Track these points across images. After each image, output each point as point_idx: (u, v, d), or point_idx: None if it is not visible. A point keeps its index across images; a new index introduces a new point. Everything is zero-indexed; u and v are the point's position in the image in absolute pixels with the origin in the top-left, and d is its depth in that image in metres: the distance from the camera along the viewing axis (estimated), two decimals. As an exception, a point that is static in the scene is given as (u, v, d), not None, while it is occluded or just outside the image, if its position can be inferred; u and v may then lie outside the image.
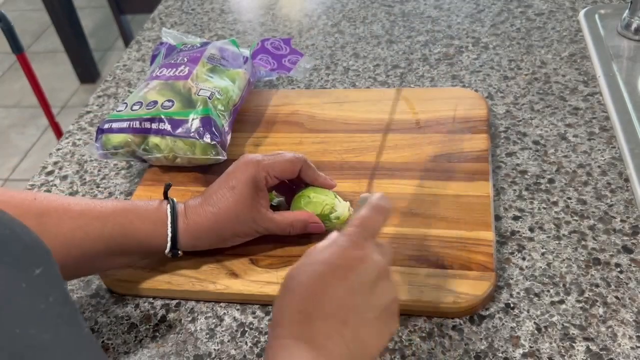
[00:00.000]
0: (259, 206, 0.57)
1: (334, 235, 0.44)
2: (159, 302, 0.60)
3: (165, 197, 0.58)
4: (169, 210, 0.56)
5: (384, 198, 0.47)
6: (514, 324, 0.54)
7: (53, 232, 0.51)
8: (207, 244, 0.58)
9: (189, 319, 0.58)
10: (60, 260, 0.49)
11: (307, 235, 0.61)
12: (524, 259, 0.59)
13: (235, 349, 0.55)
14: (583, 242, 0.60)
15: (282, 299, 0.42)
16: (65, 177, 0.77)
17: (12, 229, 0.30)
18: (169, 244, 0.56)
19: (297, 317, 0.40)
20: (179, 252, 0.57)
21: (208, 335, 0.56)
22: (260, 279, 0.58)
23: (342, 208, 0.60)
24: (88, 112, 0.89)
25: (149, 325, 0.58)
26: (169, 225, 0.55)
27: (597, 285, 0.56)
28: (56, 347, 0.28)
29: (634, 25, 0.87)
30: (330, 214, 0.60)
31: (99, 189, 0.75)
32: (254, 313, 0.58)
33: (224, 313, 0.58)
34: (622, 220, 0.61)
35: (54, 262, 0.32)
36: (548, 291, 0.56)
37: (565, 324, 0.53)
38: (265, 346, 0.54)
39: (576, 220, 0.62)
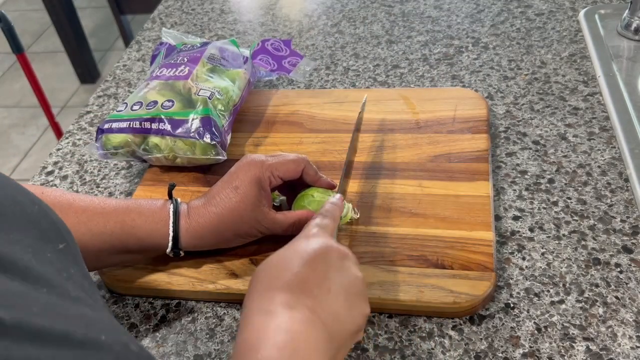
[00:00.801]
0: (262, 206, 0.57)
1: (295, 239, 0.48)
2: (159, 302, 0.60)
3: (170, 196, 0.58)
4: (171, 210, 0.56)
5: (335, 202, 0.54)
6: (514, 324, 0.54)
7: None
8: (209, 245, 0.58)
9: (189, 319, 0.58)
10: None
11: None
12: (524, 259, 0.59)
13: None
14: (583, 242, 0.60)
15: (251, 281, 0.44)
16: (65, 177, 0.77)
17: (40, 205, 0.33)
18: (170, 243, 0.56)
19: (259, 290, 0.43)
20: (181, 252, 0.57)
21: (208, 335, 0.56)
22: (260, 279, 0.58)
23: (344, 208, 0.60)
24: (88, 112, 0.89)
25: (149, 325, 0.58)
26: (171, 225, 0.55)
27: (597, 285, 0.56)
28: (82, 303, 0.30)
29: (634, 25, 0.87)
30: None
31: (99, 189, 0.75)
32: (254, 313, 0.58)
33: (224, 313, 0.58)
34: (622, 220, 0.61)
35: (75, 242, 0.34)
36: (548, 291, 0.56)
37: (565, 324, 0.53)
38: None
39: (576, 220, 0.62)
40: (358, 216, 0.62)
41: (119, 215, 0.55)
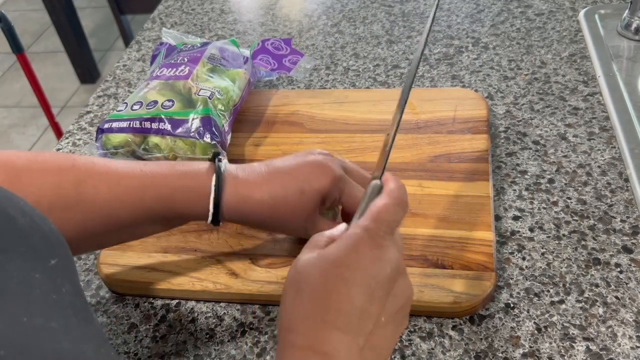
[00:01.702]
0: (316, 216, 0.54)
1: (349, 230, 0.39)
2: (159, 302, 0.60)
3: (212, 161, 0.53)
4: (213, 182, 0.51)
5: (401, 187, 0.42)
6: (514, 324, 0.54)
7: (91, 202, 0.49)
8: (250, 225, 0.55)
9: (189, 319, 0.58)
10: (100, 229, 0.50)
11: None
12: (524, 259, 0.59)
13: (235, 349, 0.55)
14: (583, 242, 0.60)
15: (292, 300, 0.38)
16: (65, 177, 0.77)
17: (31, 217, 0.30)
18: (210, 218, 0.52)
19: (311, 324, 0.37)
20: (220, 223, 0.53)
21: (208, 335, 0.56)
22: (260, 279, 0.58)
23: None
24: (88, 112, 0.89)
25: (149, 325, 0.58)
26: (212, 200, 0.51)
27: (597, 285, 0.56)
28: (63, 336, 0.28)
29: (634, 25, 0.87)
30: None
31: (99, 189, 0.75)
32: (254, 313, 0.58)
33: (224, 313, 0.58)
34: (622, 220, 0.61)
35: (69, 254, 0.32)
36: (548, 291, 0.56)
37: (565, 324, 0.53)
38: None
39: (576, 220, 0.62)
40: None
41: (156, 188, 0.51)
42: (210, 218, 0.52)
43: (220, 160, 0.53)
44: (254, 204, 0.52)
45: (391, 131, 0.45)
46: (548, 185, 0.66)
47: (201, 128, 0.67)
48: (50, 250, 0.31)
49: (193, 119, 0.68)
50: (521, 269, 0.58)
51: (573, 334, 0.52)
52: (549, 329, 0.53)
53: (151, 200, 0.51)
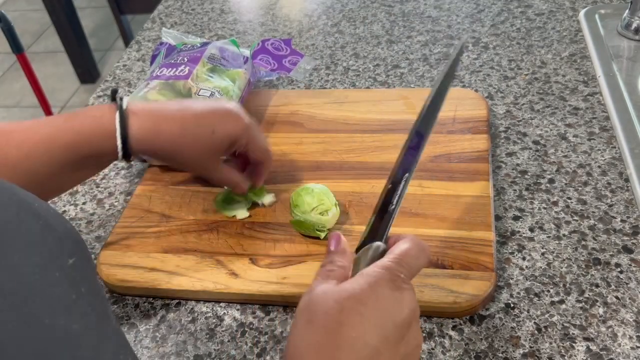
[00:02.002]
0: (219, 159, 0.57)
1: (370, 268, 0.38)
2: (159, 302, 0.60)
3: (113, 99, 0.55)
4: (117, 119, 0.53)
5: (420, 240, 0.41)
6: (514, 324, 0.54)
7: (3, 165, 0.51)
8: (159, 159, 0.57)
9: (189, 319, 0.58)
10: (28, 187, 0.49)
11: (305, 243, 0.61)
12: (524, 259, 0.59)
13: (235, 349, 0.55)
14: (583, 242, 0.60)
15: (303, 328, 0.37)
16: (65, 177, 0.77)
17: (46, 220, 0.31)
18: (120, 153, 0.54)
19: (320, 356, 0.35)
20: (132, 158, 0.55)
21: (208, 335, 0.56)
22: (260, 279, 0.58)
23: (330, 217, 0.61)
24: (88, 112, 0.89)
25: (149, 325, 0.58)
26: (119, 137, 0.53)
27: (597, 285, 0.56)
28: (84, 337, 0.28)
29: (634, 25, 0.87)
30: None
31: (99, 188, 0.75)
32: (254, 313, 0.58)
33: (224, 313, 0.58)
34: (622, 220, 0.61)
35: (87, 254, 0.33)
36: (548, 291, 0.56)
37: (565, 324, 0.53)
38: None
39: (576, 220, 0.62)
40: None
41: (62, 137, 0.52)
42: (120, 153, 0.53)
43: (121, 99, 0.55)
44: (163, 136, 0.54)
45: (388, 183, 0.46)
46: (548, 185, 0.66)
47: (201, 128, 0.67)
48: (67, 250, 0.31)
49: (193, 119, 0.68)
50: (521, 269, 0.58)
51: (573, 334, 0.52)
52: (549, 329, 0.53)
53: (58, 149, 0.52)
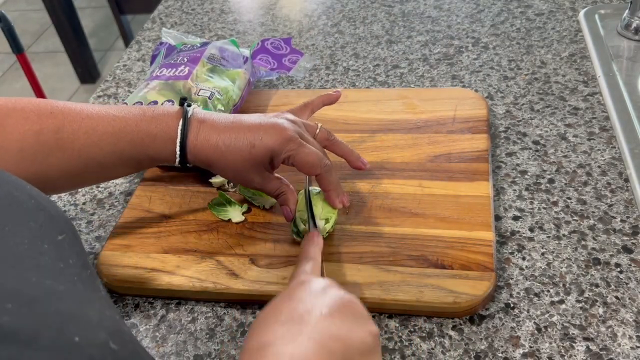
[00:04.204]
0: (264, 171, 0.59)
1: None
2: (159, 302, 0.60)
3: (181, 104, 0.58)
4: (180, 127, 0.56)
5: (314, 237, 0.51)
6: (514, 324, 0.54)
7: (70, 148, 0.54)
8: (213, 170, 0.59)
9: (189, 319, 0.58)
10: (80, 172, 0.54)
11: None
12: (524, 259, 0.59)
13: (235, 349, 0.55)
14: (583, 242, 0.60)
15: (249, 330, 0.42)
16: (65, 177, 0.77)
17: (38, 200, 0.33)
18: (177, 159, 0.56)
19: (261, 326, 0.41)
20: (189, 165, 0.58)
21: (208, 335, 0.56)
22: (260, 279, 0.58)
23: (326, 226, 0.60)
24: (88, 112, 0.89)
25: (149, 325, 0.58)
26: (178, 144, 0.55)
27: (597, 285, 0.56)
28: (69, 295, 0.30)
29: (634, 25, 0.87)
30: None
31: (99, 188, 0.75)
32: (253, 313, 0.58)
33: (224, 313, 0.58)
34: (622, 220, 0.61)
35: (76, 235, 0.35)
36: (548, 291, 0.56)
37: (565, 324, 0.53)
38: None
39: (576, 220, 0.62)
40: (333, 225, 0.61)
41: (127, 135, 0.55)
42: (177, 159, 0.56)
43: (189, 105, 0.57)
44: (210, 148, 0.56)
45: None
46: (548, 185, 0.66)
47: (201, 128, 0.67)
48: (57, 228, 0.33)
49: (193, 119, 0.68)
50: (521, 269, 0.58)
51: (573, 334, 0.52)
52: (549, 329, 0.53)
53: (124, 144, 0.55)
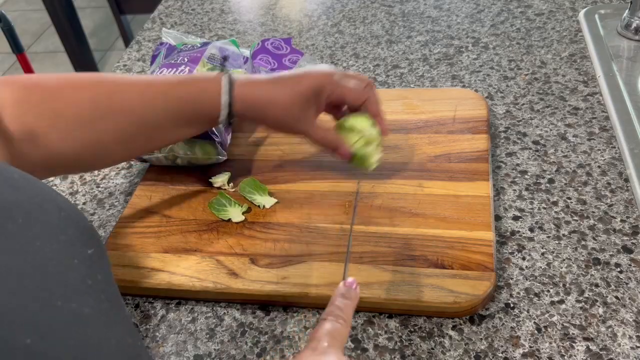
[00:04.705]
0: (310, 111, 0.60)
1: (299, 352, 0.42)
2: (159, 302, 0.60)
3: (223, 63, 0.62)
4: (225, 82, 0.58)
5: (347, 293, 0.44)
6: (514, 324, 0.54)
7: (124, 111, 0.56)
8: (258, 122, 0.62)
9: (189, 319, 0.58)
10: (134, 134, 0.57)
11: (305, 243, 0.61)
12: (524, 259, 0.59)
13: (235, 349, 0.55)
14: (583, 242, 0.60)
15: None
16: (65, 177, 0.77)
17: (68, 212, 0.33)
18: (224, 111, 0.58)
19: None
20: (232, 120, 0.60)
21: (208, 335, 0.56)
22: (260, 279, 0.58)
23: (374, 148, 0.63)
24: (88, 112, 0.89)
25: (149, 325, 0.58)
26: (225, 94, 0.58)
27: (597, 285, 0.56)
28: (93, 320, 0.30)
29: (634, 25, 0.87)
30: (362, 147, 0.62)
31: (99, 188, 0.75)
32: (254, 313, 0.58)
33: (224, 313, 0.58)
34: (622, 220, 0.61)
35: (103, 248, 0.35)
36: (548, 291, 0.56)
37: (565, 324, 0.53)
38: None
39: (576, 220, 0.62)
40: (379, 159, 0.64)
41: (178, 92, 0.58)
42: (225, 111, 0.58)
43: (228, 70, 0.61)
44: (258, 91, 0.59)
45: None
46: (548, 185, 0.66)
47: (201, 128, 0.67)
48: (86, 242, 0.33)
49: (193, 119, 0.68)
50: (521, 269, 0.58)
51: (573, 334, 0.52)
52: (549, 329, 0.53)
53: (175, 101, 0.57)
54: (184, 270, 0.60)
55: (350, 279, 0.44)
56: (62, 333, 0.27)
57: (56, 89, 0.54)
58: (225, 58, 0.68)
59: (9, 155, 0.50)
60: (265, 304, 0.58)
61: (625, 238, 0.60)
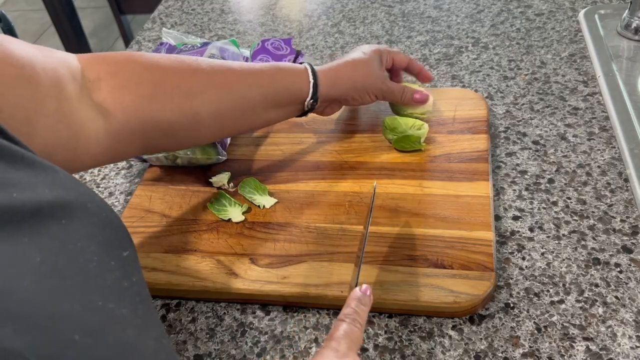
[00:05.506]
0: (383, 72, 0.71)
1: (321, 350, 0.43)
2: (159, 302, 0.60)
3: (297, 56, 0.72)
4: (307, 66, 0.65)
5: (362, 298, 0.45)
6: (514, 324, 0.54)
7: (222, 84, 0.59)
8: (342, 91, 0.68)
9: (189, 319, 0.58)
10: (229, 110, 0.60)
11: (305, 243, 0.61)
12: (523, 258, 0.59)
13: (235, 349, 0.55)
14: (583, 242, 0.60)
15: None
16: (65, 177, 0.77)
17: (107, 214, 0.33)
18: (311, 92, 0.64)
19: None
20: (317, 103, 0.65)
21: (208, 335, 0.56)
22: (260, 279, 0.58)
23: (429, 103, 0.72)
24: (88, 112, 0.89)
25: (149, 325, 0.58)
26: (311, 75, 0.64)
27: (596, 285, 0.56)
28: (131, 321, 0.30)
29: (633, 25, 0.87)
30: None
31: (99, 188, 0.75)
32: (254, 313, 0.58)
33: (224, 313, 0.58)
34: (621, 220, 0.62)
35: (135, 250, 0.35)
36: (548, 291, 0.56)
37: (565, 324, 0.53)
38: None
39: (576, 220, 0.62)
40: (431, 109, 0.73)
41: (269, 74, 0.62)
42: (311, 92, 0.64)
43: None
44: (338, 70, 0.67)
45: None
46: (548, 185, 0.66)
47: (201, 128, 0.67)
48: (123, 243, 0.33)
49: (193, 119, 0.68)
50: (521, 269, 0.58)
51: (573, 333, 0.52)
52: (548, 329, 0.53)
53: (266, 79, 0.62)
54: (184, 270, 0.60)
55: (364, 286, 0.46)
56: (104, 332, 0.28)
57: (155, 63, 0.56)
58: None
59: (106, 126, 0.51)
60: (265, 304, 0.58)
61: (625, 238, 0.60)
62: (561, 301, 0.55)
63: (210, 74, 0.58)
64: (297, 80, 0.63)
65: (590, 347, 0.51)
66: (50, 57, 0.49)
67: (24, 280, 0.25)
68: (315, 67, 0.66)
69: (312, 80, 0.63)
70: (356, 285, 0.55)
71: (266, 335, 0.56)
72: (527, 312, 0.55)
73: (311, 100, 0.64)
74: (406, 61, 0.74)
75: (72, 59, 0.52)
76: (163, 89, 0.55)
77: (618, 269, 0.57)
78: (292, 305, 0.58)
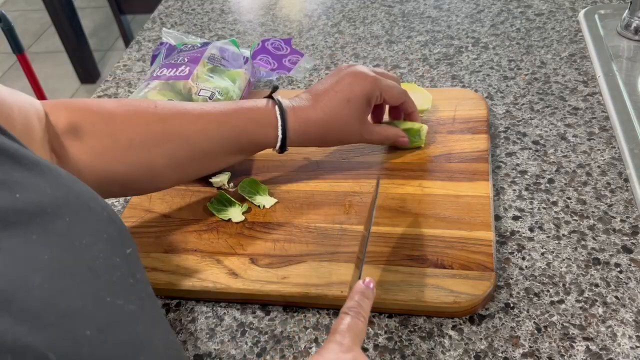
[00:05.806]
0: (365, 117, 0.63)
1: (325, 344, 0.43)
2: (158, 302, 0.60)
3: (271, 97, 0.61)
4: (278, 113, 0.59)
5: (365, 291, 0.45)
6: (514, 324, 0.54)
7: (177, 135, 0.57)
8: (313, 144, 0.64)
9: (189, 319, 0.58)
10: (186, 160, 0.58)
11: (305, 243, 0.61)
12: (523, 258, 0.59)
13: (235, 349, 0.55)
14: (583, 242, 0.60)
15: None
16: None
17: (109, 212, 0.34)
18: (279, 144, 0.60)
19: None
20: (287, 149, 0.62)
21: (208, 335, 0.56)
22: (260, 279, 0.58)
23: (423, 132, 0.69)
24: (88, 112, 0.89)
25: (149, 325, 0.58)
26: (279, 127, 0.59)
27: (596, 285, 0.56)
28: (139, 316, 0.30)
29: (633, 25, 0.87)
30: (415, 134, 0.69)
31: (99, 189, 0.75)
32: (254, 313, 0.58)
33: (224, 313, 0.58)
34: (621, 220, 0.62)
35: (136, 247, 0.36)
36: (548, 291, 0.56)
37: (565, 324, 0.53)
38: None
39: (576, 220, 0.62)
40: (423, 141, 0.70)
41: (231, 121, 0.58)
42: (278, 144, 0.60)
43: (275, 91, 0.62)
44: (312, 123, 0.61)
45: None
46: (548, 185, 0.66)
47: (201, 128, 0.67)
48: (125, 240, 0.34)
49: (193, 119, 0.68)
50: (521, 269, 0.58)
51: (573, 333, 0.52)
52: (548, 329, 0.53)
53: (228, 131, 0.58)
54: (184, 270, 0.60)
55: (368, 279, 0.46)
56: (115, 328, 0.28)
57: (110, 114, 0.55)
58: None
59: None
60: (265, 303, 0.58)
61: (625, 238, 0.60)
62: (561, 301, 0.55)
63: (165, 125, 0.56)
64: (263, 132, 0.59)
65: (590, 347, 0.51)
66: (20, 99, 0.50)
67: (36, 278, 0.26)
68: (286, 103, 0.60)
69: (280, 134, 0.60)
70: None
71: (266, 335, 0.56)
72: (527, 312, 0.55)
73: (278, 149, 0.61)
74: (400, 100, 0.66)
75: (37, 104, 0.53)
76: (118, 143, 0.54)
77: (618, 269, 0.57)
78: (292, 305, 0.58)
